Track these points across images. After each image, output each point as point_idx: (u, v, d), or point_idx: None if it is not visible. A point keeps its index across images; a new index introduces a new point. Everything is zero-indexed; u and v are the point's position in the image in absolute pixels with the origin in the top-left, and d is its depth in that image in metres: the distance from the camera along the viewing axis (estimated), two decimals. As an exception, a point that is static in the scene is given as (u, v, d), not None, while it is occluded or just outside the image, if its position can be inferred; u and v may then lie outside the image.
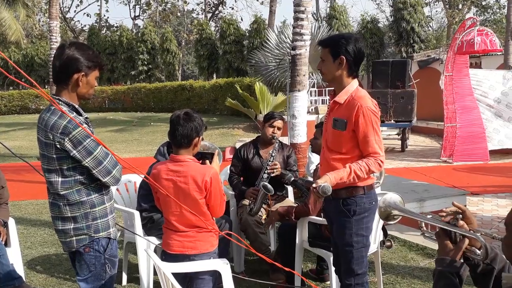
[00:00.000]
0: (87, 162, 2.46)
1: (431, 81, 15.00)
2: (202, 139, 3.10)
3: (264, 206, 4.31)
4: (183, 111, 2.86)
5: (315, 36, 13.73)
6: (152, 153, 4.11)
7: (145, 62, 33.30)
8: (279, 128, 4.49)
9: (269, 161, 4.32)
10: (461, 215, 1.82)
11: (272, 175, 4.30)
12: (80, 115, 2.54)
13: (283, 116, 4.72)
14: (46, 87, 26.93)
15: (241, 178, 4.62)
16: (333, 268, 3.32)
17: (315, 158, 4.88)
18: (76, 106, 2.54)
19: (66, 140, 2.41)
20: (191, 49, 38.55)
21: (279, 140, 4.50)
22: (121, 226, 4.06)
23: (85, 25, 43.85)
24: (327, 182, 2.66)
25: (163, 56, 32.78)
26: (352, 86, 2.87)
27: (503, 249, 1.60)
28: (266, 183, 4.15)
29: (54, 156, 2.46)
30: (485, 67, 15.50)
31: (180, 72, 35.44)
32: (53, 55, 2.50)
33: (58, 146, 2.43)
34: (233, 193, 4.63)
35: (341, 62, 2.81)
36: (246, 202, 4.33)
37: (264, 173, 4.31)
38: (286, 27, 16.24)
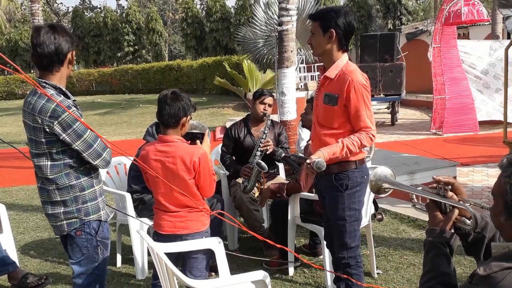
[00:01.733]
0: (77, 146, 2.44)
1: (420, 53, 15.00)
2: (191, 119, 3.07)
3: (256, 184, 4.31)
4: (171, 91, 2.83)
5: (302, 11, 13.59)
6: (142, 135, 4.08)
7: (131, 43, 32.96)
8: (270, 105, 4.47)
9: (262, 138, 4.30)
10: (450, 187, 1.82)
11: (266, 152, 4.29)
12: (68, 98, 2.51)
13: (273, 93, 4.70)
14: (32, 71, 26.65)
15: (233, 157, 4.61)
16: (324, 242, 3.34)
17: (305, 135, 4.88)
18: (64, 89, 2.51)
19: (55, 123, 2.38)
20: (177, 28, 38.16)
21: (270, 118, 4.48)
22: (113, 208, 4.06)
23: (68, 7, 43.11)
24: (320, 157, 2.66)
25: (149, 36, 32.44)
26: (342, 60, 2.85)
27: (491, 218, 1.62)
28: (259, 161, 4.14)
29: (43, 140, 2.43)
30: (473, 38, 15.52)
31: (167, 52, 35.13)
32: (38, 43, 2.43)
33: (47, 130, 2.40)
34: (224, 172, 4.63)
35: (331, 36, 2.78)
36: (239, 180, 4.33)
37: (257, 150, 4.29)
38: (273, 2, 16.06)
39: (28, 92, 2.55)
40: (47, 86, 2.45)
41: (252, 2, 23.15)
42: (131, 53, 33.34)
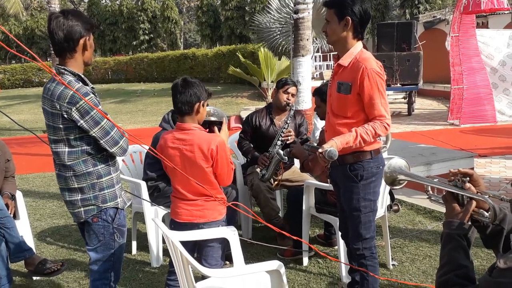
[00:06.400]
0: (94, 132, 2.44)
1: (437, 42, 14.78)
2: (207, 106, 3.06)
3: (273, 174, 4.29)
4: (181, 78, 2.83)
5: (317, -1, 13.46)
6: (157, 124, 4.10)
7: (147, 32, 33.05)
8: (293, 95, 4.41)
9: (284, 128, 4.27)
10: (468, 178, 1.79)
11: (287, 142, 4.25)
12: (86, 84, 2.51)
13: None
14: (48, 59, 26.90)
15: (251, 144, 4.58)
16: (339, 233, 3.33)
17: (321, 124, 4.85)
18: (82, 76, 2.51)
19: (73, 109, 2.38)
20: (192, 17, 38.14)
21: (293, 107, 4.41)
22: (130, 193, 4.08)
23: (84, -5, 43.23)
24: (333, 146, 2.62)
25: (164, 25, 32.48)
26: (356, 48, 2.80)
27: (511, 210, 1.58)
28: (280, 150, 4.12)
29: (61, 126, 2.44)
30: (492, 27, 15.24)
31: (182, 40, 35.16)
32: (49, 30, 2.45)
33: (65, 116, 2.40)
34: (239, 161, 4.62)
35: (347, 23, 2.74)
36: (257, 169, 4.31)
37: (278, 140, 4.26)
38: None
39: (45, 80, 2.56)
40: (65, 72, 2.46)
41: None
42: (147, 42, 33.44)
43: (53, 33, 2.43)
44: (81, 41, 2.48)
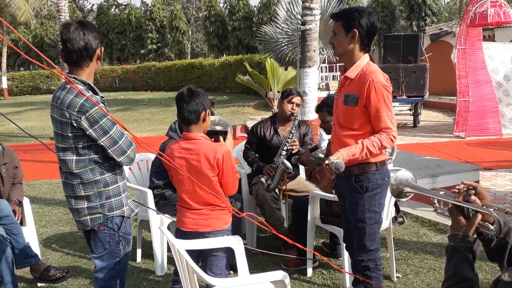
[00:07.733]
0: (102, 141, 2.47)
1: (444, 55, 14.79)
2: (213, 114, 3.09)
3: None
4: (186, 88, 2.87)
5: (325, 10, 13.53)
6: (163, 132, 4.13)
7: (154, 41, 33.23)
8: (298, 105, 4.44)
9: (288, 138, 4.28)
10: (473, 191, 1.80)
11: (291, 152, 4.27)
12: (96, 94, 2.55)
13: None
14: (57, 67, 27.12)
15: (256, 154, 4.60)
16: (343, 244, 3.33)
17: (327, 135, 4.85)
18: (92, 85, 2.55)
19: (82, 118, 2.41)
20: (200, 27, 38.38)
21: (297, 117, 4.44)
22: (136, 201, 4.09)
23: (93, 4, 43.58)
24: (339, 158, 2.64)
25: (172, 34, 32.68)
26: (363, 60, 2.83)
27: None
28: (285, 160, 4.13)
29: (70, 134, 2.47)
30: (499, 40, 15.23)
31: (189, 50, 35.34)
32: (68, 38, 2.49)
33: (74, 124, 2.43)
34: (245, 171, 4.63)
35: (354, 36, 2.76)
36: (263, 179, 4.32)
37: (283, 150, 4.28)
38: (296, 1, 16.03)
39: (53, 87, 2.60)
40: (76, 81, 2.50)
41: (275, 1, 23.12)
42: (154, 51, 33.63)
43: (73, 42, 2.47)
44: (98, 51, 2.56)
